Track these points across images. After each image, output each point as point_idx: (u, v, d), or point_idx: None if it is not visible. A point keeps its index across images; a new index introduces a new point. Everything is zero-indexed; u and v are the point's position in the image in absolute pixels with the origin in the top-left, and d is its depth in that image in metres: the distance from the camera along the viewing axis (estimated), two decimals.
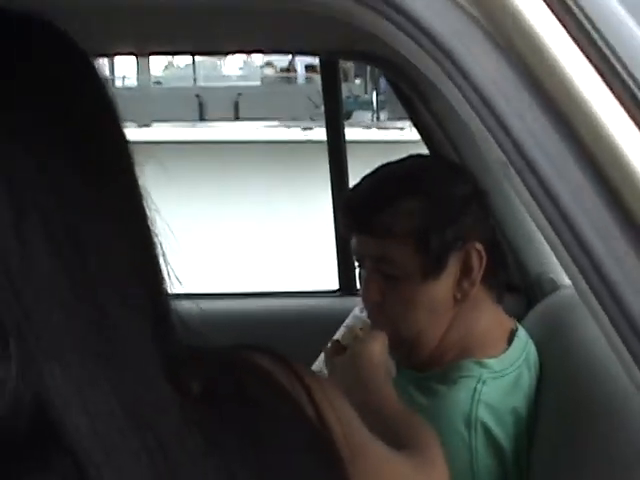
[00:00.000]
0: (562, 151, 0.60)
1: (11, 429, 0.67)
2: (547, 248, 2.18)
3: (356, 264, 1.82)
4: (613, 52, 0.60)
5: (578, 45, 0.60)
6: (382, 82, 9.00)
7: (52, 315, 0.68)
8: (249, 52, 2.45)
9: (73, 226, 0.70)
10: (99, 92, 0.78)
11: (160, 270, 0.77)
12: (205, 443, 0.71)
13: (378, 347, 1.63)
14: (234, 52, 2.55)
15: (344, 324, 2.01)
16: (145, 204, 0.77)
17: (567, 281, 2.17)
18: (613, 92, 0.60)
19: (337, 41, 2.26)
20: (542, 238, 2.11)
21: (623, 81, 0.60)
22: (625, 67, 0.60)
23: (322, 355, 1.85)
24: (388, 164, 1.81)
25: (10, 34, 0.75)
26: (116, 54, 2.51)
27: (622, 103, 0.60)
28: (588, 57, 0.60)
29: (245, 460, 0.73)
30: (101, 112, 0.78)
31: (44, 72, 0.75)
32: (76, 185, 0.71)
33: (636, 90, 0.59)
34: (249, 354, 0.82)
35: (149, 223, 0.77)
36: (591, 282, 0.61)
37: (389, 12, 0.62)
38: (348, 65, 9.65)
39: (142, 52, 2.33)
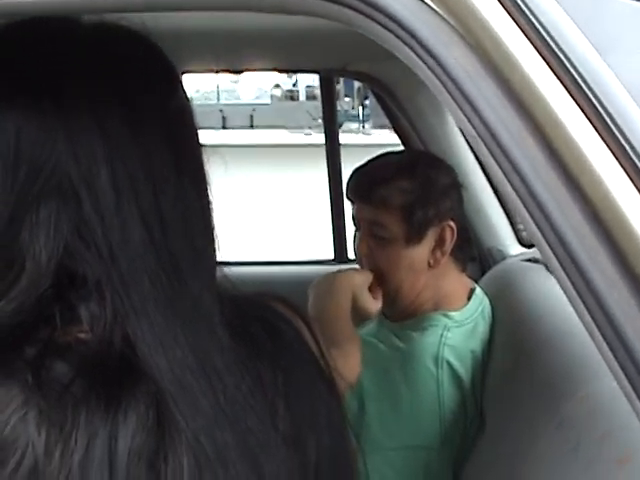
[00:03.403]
0: (518, 125, 0.60)
1: (105, 356, 0.66)
2: (497, 226, 2.21)
3: (353, 228, 1.82)
4: (559, 48, 0.61)
5: (531, 41, 0.61)
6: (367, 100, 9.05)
7: (142, 281, 0.68)
8: (264, 70, 2.45)
9: (161, 208, 0.69)
10: (185, 93, 0.77)
11: (215, 240, 0.77)
12: (252, 381, 0.71)
13: (359, 278, 1.67)
14: (251, 70, 2.53)
15: None
16: (209, 190, 0.77)
17: (512, 252, 2.22)
18: (554, 71, 0.61)
19: (334, 62, 2.27)
20: (493, 218, 2.13)
21: (562, 61, 0.61)
22: (561, 49, 0.61)
23: None
24: (388, 153, 1.82)
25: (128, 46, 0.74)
26: None
27: (560, 79, 0.61)
28: (538, 50, 0.61)
29: (277, 389, 0.73)
30: (187, 109, 0.77)
31: (148, 74, 0.74)
32: (167, 178, 0.70)
33: (569, 65, 0.60)
34: (271, 301, 0.82)
35: (211, 205, 0.77)
36: (545, 233, 0.61)
37: (392, 25, 0.62)
38: (338, 87, 9.63)
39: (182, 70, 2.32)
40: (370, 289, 1.67)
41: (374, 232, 1.71)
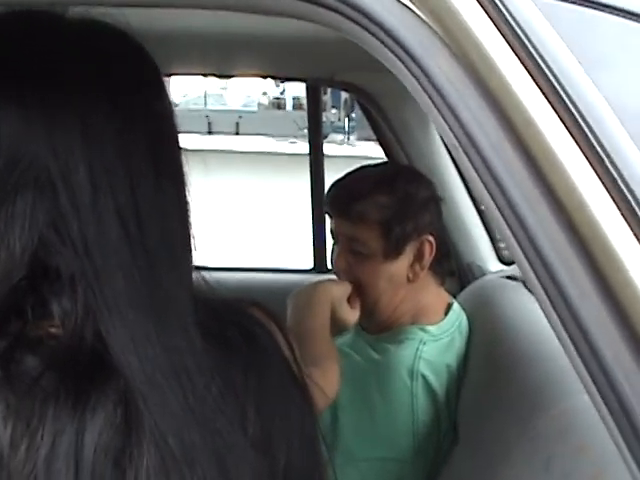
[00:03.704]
0: (500, 137, 0.60)
1: (76, 351, 0.66)
2: (478, 242, 2.21)
3: (332, 242, 1.82)
4: (540, 55, 0.61)
5: (515, 53, 0.61)
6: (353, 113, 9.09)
7: (116, 277, 0.67)
8: (251, 75, 2.44)
9: (138, 206, 0.70)
10: (168, 95, 0.77)
11: (191, 241, 0.76)
12: (223, 383, 0.71)
13: (338, 289, 1.66)
14: (238, 75, 2.53)
15: None
16: (188, 192, 0.76)
17: (492, 268, 2.23)
18: (538, 85, 0.61)
19: (321, 71, 2.27)
20: (474, 234, 2.13)
21: (546, 75, 0.61)
22: (546, 63, 0.61)
23: None
24: (367, 166, 1.81)
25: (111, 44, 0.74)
26: None
27: (543, 92, 0.61)
28: (522, 62, 0.61)
29: (248, 392, 0.73)
30: (170, 111, 0.77)
31: (135, 73, 0.74)
32: (145, 177, 0.71)
33: (552, 79, 0.61)
34: (247, 306, 0.82)
35: (189, 206, 0.76)
36: (520, 240, 0.61)
37: (377, 31, 0.62)
38: (325, 98, 9.67)
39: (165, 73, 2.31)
40: (348, 300, 1.67)
41: (352, 247, 1.71)
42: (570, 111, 0.60)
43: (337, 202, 1.76)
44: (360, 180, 1.75)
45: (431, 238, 1.71)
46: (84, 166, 0.67)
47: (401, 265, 1.70)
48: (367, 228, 1.68)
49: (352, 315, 1.66)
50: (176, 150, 0.76)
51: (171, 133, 0.76)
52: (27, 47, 0.70)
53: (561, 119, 0.60)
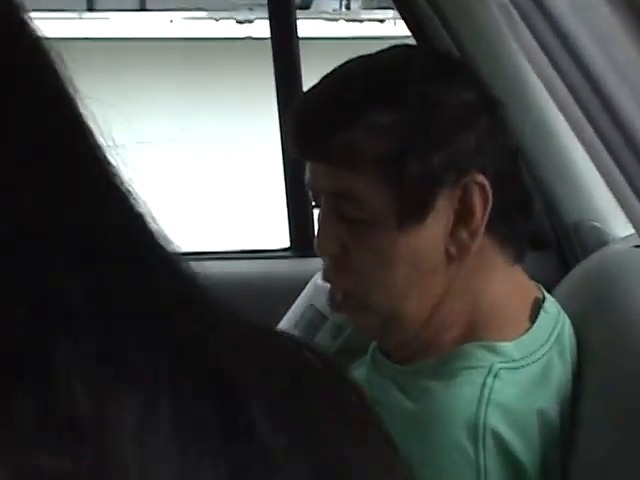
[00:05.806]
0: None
1: None
2: (593, 192, 2.20)
3: (313, 203, 1.83)
4: None
5: None
6: None
7: None
8: None
9: None
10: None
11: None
12: None
13: None
14: None
15: (302, 294, 2.03)
16: None
17: (618, 232, 2.20)
18: None
19: None
20: (586, 181, 2.11)
21: None
22: None
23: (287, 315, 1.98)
24: (358, 58, 1.77)
25: None
26: None
27: None
28: None
29: None
30: None
31: None
32: None
33: None
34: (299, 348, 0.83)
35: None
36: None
37: None
38: None
39: None
40: None
41: (342, 210, 1.70)
42: None
43: (305, 133, 1.75)
44: (342, 87, 1.74)
45: (482, 178, 1.67)
46: None
47: (432, 233, 1.69)
48: (361, 174, 1.67)
49: None
50: None
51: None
52: None
53: None
